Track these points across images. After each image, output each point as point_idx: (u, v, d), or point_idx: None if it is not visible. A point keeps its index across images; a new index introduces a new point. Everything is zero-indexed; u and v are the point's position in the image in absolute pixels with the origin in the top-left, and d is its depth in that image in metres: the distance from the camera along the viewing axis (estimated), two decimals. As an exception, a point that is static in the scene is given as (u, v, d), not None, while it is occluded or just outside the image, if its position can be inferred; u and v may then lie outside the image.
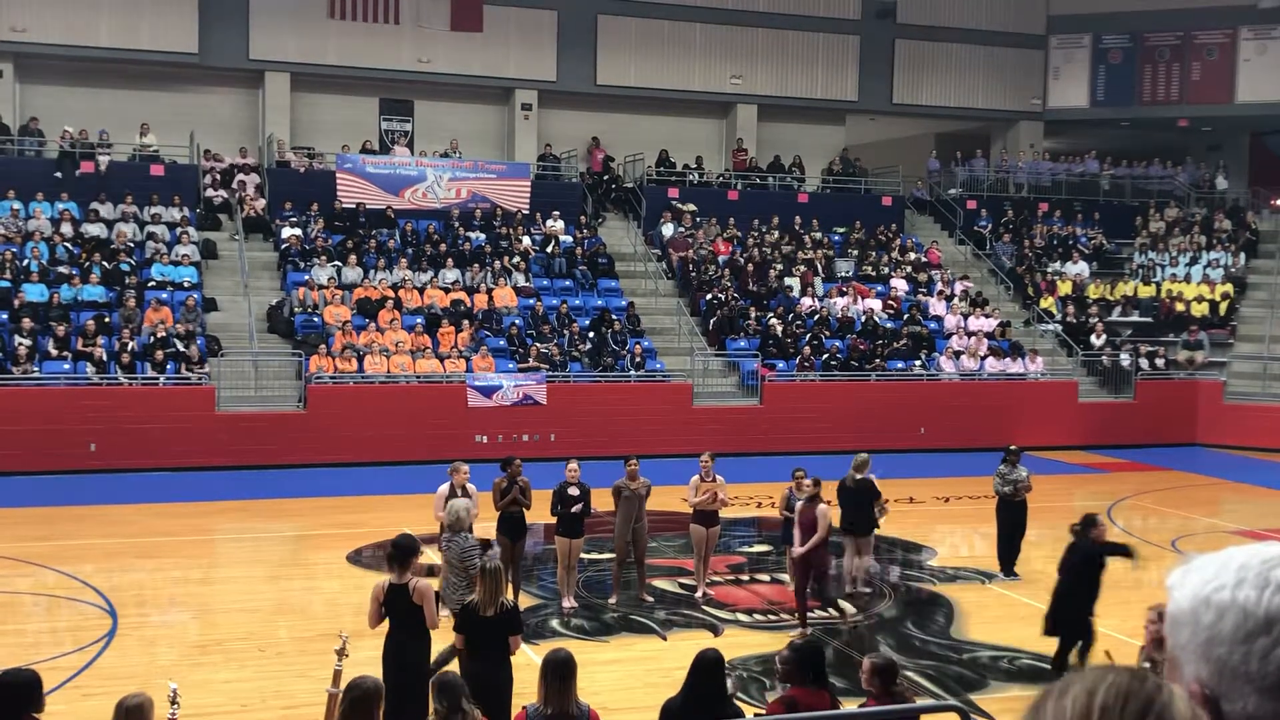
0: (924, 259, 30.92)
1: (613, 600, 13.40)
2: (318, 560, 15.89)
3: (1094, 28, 35.91)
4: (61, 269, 24.30)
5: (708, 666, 6.75)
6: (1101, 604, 13.86)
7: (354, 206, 27.77)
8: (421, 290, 25.82)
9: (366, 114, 31.64)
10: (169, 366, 22.29)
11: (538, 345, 24.50)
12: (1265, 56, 34.14)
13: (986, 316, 28.59)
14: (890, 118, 36.45)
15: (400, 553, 8.48)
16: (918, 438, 25.32)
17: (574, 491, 12.94)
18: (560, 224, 29.16)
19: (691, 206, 30.71)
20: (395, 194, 28.25)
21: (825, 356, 26.13)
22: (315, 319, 24.38)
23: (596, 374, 24.63)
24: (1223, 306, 30.27)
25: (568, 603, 13.09)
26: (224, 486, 20.25)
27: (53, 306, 23.15)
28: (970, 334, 27.78)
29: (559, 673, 6.45)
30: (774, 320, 26.86)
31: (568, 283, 27.64)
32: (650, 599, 13.46)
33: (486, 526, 13.69)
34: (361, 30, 30.59)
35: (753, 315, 27.11)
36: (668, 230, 30.06)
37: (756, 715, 8.25)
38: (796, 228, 30.85)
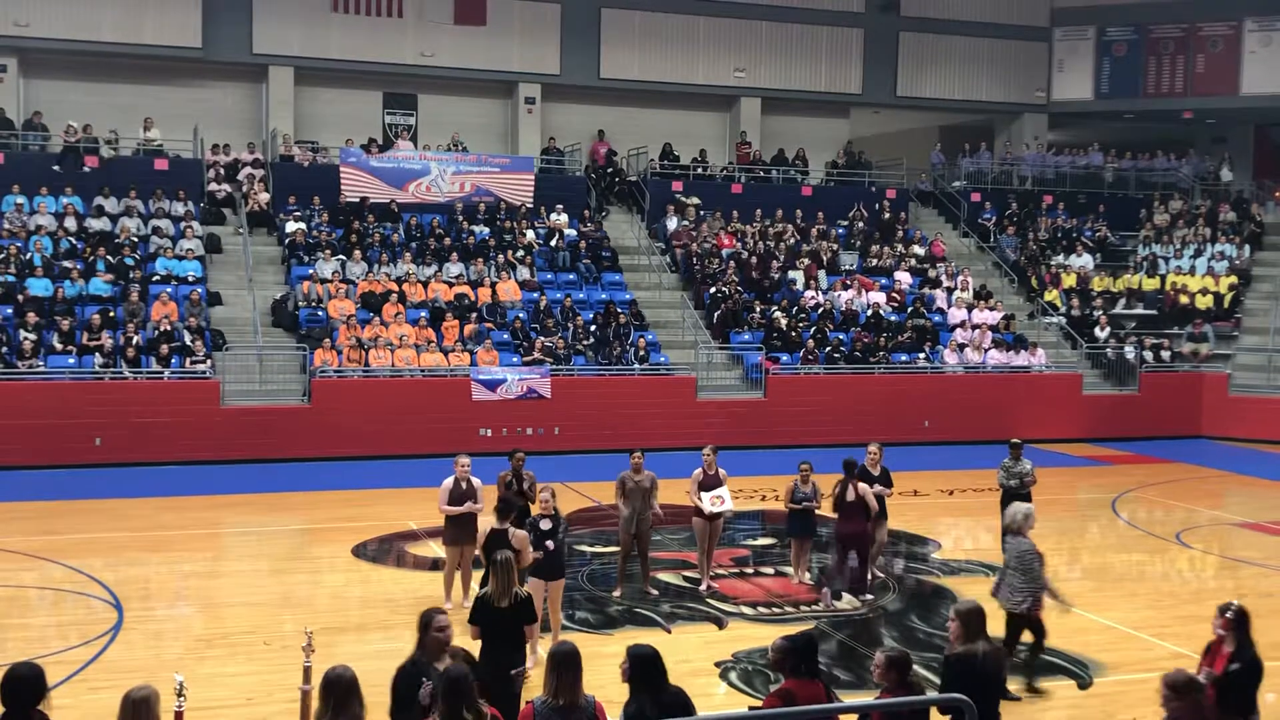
0: (928, 252, 30.89)
1: (617, 593, 13.40)
2: (322, 554, 15.91)
3: (1098, 20, 35.87)
4: (66, 263, 24.33)
5: (643, 662, 6.63)
6: (1107, 596, 13.91)
7: (358, 200, 27.79)
8: (425, 284, 25.83)
9: (370, 108, 31.71)
10: (174, 361, 22.31)
11: (542, 339, 24.51)
12: (1270, 48, 34.09)
13: (990, 309, 28.56)
14: (894, 110, 36.43)
15: (505, 505, 11.26)
16: (922, 431, 25.33)
17: (546, 525, 11.33)
18: (564, 217, 29.15)
19: (695, 200, 30.70)
20: (399, 188, 28.27)
21: (829, 349, 26.12)
22: (320, 313, 24.40)
23: (600, 367, 24.63)
24: (1227, 299, 30.22)
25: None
26: (229, 480, 20.29)
27: (57, 301, 23.18)
28: (974, 327, 27.75)
29: (566, 665, 6.46)
30: (778, 313, 26.84)
31: (571, 276, 27.64)
32: (654, 592, 13.48)
33: (490, 520, 13.68)
34: (365, 24, 30.63)
35: (757, 308, 27.10)
36: (671, 223, 30.06)
37: (752, 708, 8.24)
38: (800, 221, 30.83)
